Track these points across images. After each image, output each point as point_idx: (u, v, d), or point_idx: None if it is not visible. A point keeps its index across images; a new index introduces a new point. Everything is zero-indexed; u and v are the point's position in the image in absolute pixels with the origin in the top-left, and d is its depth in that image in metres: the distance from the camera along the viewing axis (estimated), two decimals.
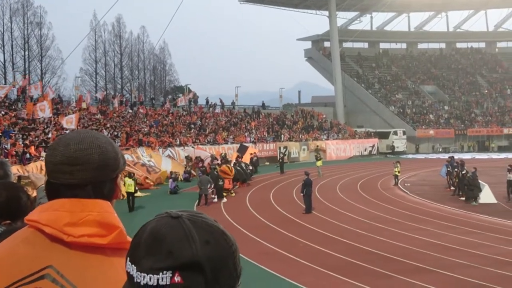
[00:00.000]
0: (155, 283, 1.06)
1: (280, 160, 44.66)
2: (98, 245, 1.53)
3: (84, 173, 1.61)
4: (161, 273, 1.05)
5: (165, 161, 37.75)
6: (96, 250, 1.54)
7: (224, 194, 27.35)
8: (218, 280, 1.09)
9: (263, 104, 66.16)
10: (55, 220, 1.55)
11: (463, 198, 26.36)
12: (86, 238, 1.52)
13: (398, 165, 33.46)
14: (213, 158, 40.03)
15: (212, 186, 26.17)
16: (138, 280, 1.08)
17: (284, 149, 53.90)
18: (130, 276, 1.10)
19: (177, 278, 1.05)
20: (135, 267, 1.09)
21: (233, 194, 28.24)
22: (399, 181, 33.37)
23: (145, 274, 1.07)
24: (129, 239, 1.55)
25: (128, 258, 1.12)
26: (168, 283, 1.05)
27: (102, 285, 1.50)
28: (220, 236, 1.13)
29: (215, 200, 26.50)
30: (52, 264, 1.52)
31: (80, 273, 1.51)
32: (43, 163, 24.55)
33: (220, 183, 27.05)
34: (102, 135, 1.73)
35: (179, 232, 1.09)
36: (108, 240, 1.54)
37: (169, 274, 1.05)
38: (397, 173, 33.20)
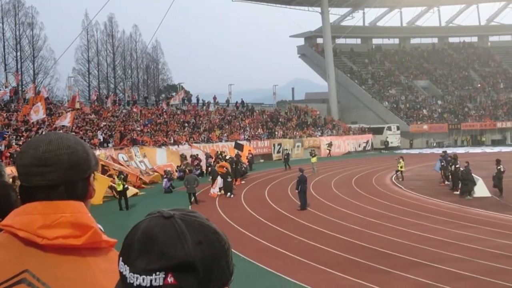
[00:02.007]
0: (148, 284, 1.06)
1: (285, 157, 44.98)
2: (73, 246, 1.54)
3: (55, 174, 1.61)
4: (154, 274, 1.06)
5: (160, 153, 37.74)
6: (71, 251, 1.54)
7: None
8: (211, 279, 1.10)
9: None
10: (28, 224, 1.55)
11: (457, 192, 26.44)
12: (60, 240, 1.52)
13: (401, 160, 33.57)
14: (208, 156, 40.11)
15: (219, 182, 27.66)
16: (131, 281, 1.07)
17: (279, 146, 54.17)
18: (123, 277, 1.10)
19: (170, 279, 1.05)
20: (128, 268, 1.09)
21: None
22: (398, 176, 33.45)
23: (138, 275, 1.07)
24: (105, 238, 1.59)
25: (121, 258, 1.12)
26: (161, 284, 1.05)
27: (79, 285, 1.50)
28: (213, 236, 1.13)
29: (230, 195, 27.40)
30: (28, 268, 1.52)
31: (56, 275, 1.52)
32: None
33: (229, 179, 27.92)
34: (72, 136, 1.74)
35: (172, 233, 1.08)
36: (82, 240, 1.54)
37: (162, 275, 1.05)
38: (400, 168, 33.31)
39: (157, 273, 1.06)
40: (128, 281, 1.08)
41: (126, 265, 1.10)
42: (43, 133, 28.67)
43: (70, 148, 1.65)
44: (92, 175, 1.74)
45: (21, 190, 1.66)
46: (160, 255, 1.06)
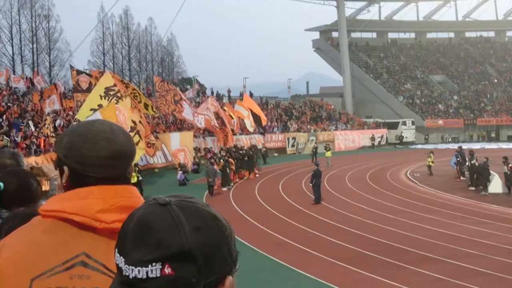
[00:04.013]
0: (145, 276, 1.02)
1: (314, 150, 45.03)
2: None
3: (125, 166, 1.66)
4: (150, 266, 1.01)
5: (174, 138, 37.05)
6: None
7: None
8: (212, 267, 1.06)
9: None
10: (85, 208, 1.55)
11: (473, 188, 26.29)
12: (117, 224, 1.52)
13: (432, 155, 33.29)
14: (222, 149, 40.08)
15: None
16: (127, 274, 1.04)
17: (293, 140, 54.19)
18: (119, 269, 1.07)
19: (167, 270, 1.01)
20: (123, 259, 1.06)
21: (232, 186, 28.54)
22: (431, 171, 33.15)
23: (134, 267, 1.03)
24: None
25: (116, 249, 1.09)
26: (158, 275, 1.01)
27: None
28: (212, 221, 1.08)
29: (227, 188, 27.40)
30: (84, 251, 1.54)
31: (112, 257, 1.54)
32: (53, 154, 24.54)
33: (228, 171, 28.01)
34: (121, 127, 1.76)
35: (168, 220, 1.04)
36: None
37: (158, 266, 1.01)
38: (430, 163, 33.02)
39: (153, 264, 1.01)
40: (123, 273, 1.05)
41: (121, 257, 1.06)
42: (59, 122, 28.53)
43: (131, 141, 1.70)
44: (132, 166, 1.77)
45: (77, 180, 1.64)
46: (155, 244, 1.02)
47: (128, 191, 1.63)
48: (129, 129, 20.45)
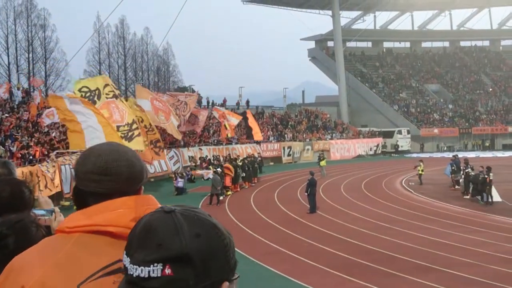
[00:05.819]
0: (147, 275, 1.11)
1: (320, 158, 45.19)
2: None
3: (112, 183, 1.71)
4: (152, 266, 1.11)
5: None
6: None
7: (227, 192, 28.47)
8: (209, 273, 1.14)
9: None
10: (118, 219, 1.63)
11: (467, 197, 26.34)
12: None
13: (421, 163, 33.38)
14: (216, 158, 40.06)
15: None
16: (131, 273, 1.13)
17: (289, 149, 54.13)
18: (125, 268, 1.16)
19: (167, 271, 1.10)
20: (129, 259, 1.15)
21: (229, 193, 28.46)
22: (420, 180, 33.20)
23: (137, 266, 1.12)
24: None
25: (125, 252, 1.18)
26: (159, 275, 1.10)
27: None
28: (211, 230, 1.18)
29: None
30: (121, 258, 1.59)
31: None
32: (50, 165, 24.50)
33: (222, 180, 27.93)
34: (129, 149, 1.85)
35: (170, 225, 1.14)
36: None
37: (160, 266, 1.10)
38: (421, 172, 33.12)
39: (155, 264, 1.10)
40: (128, 272, 1.14)
41: (128, 257, 1.16)
42: (54, 133, 28.43)
43: (128, 161, 1.75)
44: (142, 187, 1.84)
45: (76, 193, 1.78)
46: (157, 247, 1.11)
47: (151, 199, 1.73)
48: (124, 123, 20.99)
